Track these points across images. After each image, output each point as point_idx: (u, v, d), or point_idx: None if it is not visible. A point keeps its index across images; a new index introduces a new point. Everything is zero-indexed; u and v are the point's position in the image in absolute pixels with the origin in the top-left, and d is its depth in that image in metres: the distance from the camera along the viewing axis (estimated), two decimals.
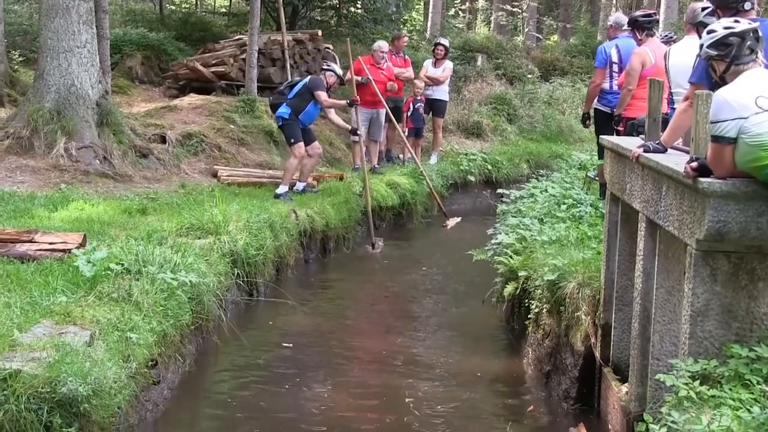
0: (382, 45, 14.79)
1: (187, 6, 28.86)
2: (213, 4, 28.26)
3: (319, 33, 18.46)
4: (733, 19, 4.93)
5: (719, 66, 4.80)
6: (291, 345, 8.17)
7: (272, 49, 16.89)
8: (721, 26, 4.81)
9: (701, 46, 4.91)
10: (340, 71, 12.38)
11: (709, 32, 4.86)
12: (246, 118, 14.89)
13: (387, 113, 14.53)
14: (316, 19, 22.69)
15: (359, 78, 14.12)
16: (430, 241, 13.47)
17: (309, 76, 12.98)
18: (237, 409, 6.72)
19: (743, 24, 4.76)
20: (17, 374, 4.80)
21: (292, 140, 12.01)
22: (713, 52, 4.78)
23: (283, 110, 11.99)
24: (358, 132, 12.96)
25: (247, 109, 15.05)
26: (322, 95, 12.06)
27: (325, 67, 12.60)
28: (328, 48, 18.29)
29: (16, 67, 16.46)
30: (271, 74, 16.69)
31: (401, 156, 15.59)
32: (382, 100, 14.20)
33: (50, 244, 7.46)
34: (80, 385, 4.87)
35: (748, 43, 4.69)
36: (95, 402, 4.99)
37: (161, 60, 18.81)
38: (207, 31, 21.51)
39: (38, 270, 6.90)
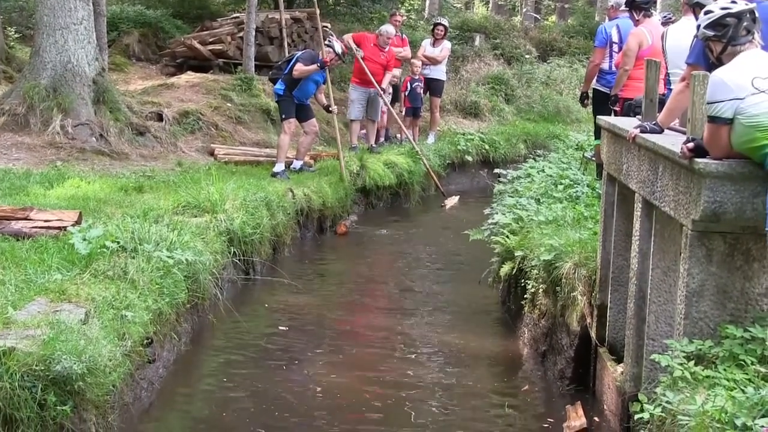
0: (389, 30, 14.58)
1: None
2: None
3: (317, 11, 18.35)
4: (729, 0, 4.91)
5: (716, 46, 4.77)
6: (287, 328, 8.15)
7: (270, 28, 16.84)
8: (717, 7, 4.79)
9: (698, 26, 4.89)
10: (339, 49, 12.23)
11: (706, 13, 4.84)
12: (243, 97, 14.86)
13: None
14: None
15: (354, 47, 14.14)
16: (427, 221, 13.47)
17: (303, 50, 12.97)
18: (232, 388, 6.72)
19: (740, 5, 4.74)
20: (11, 352, 4.78)
21: (283, 116, 12.07)
22: (710, 33, 4.76)
23: (279, 86, 12.03)
24: (330, 109, 12.65)
25: (245, 87, 15.03)
26: (297, 65, 11.96)
27: (326, 43, 12.48)
28: (326, 27, 18.20)
29: (12, 43, 16.40)
30: (269, 53, 16.64)
31: (399, 136, 15.56)
32: (374, 81, 14.06)
33: (45, 221, 7.44)
34: (75, 363, 4.86)
35: (745, 23, 4.67)
36: (90, 380, 4.97)
37: (158, 38, 18.74)
38: (205, 9, 21.40)
39: (33, 247, 6.88)
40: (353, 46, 14.16)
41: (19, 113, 11.68)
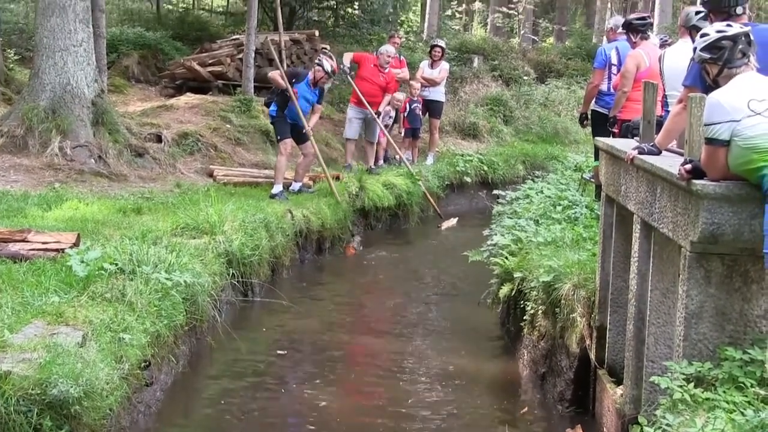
0: (390, 50, 14.60)
1: (185, 5, 28.80)
2: (210, 3, 28.24)
3: (316, 33, 18.46)
4: (725, 23, 4.94)
5: (712, 69, 4.80)
6: (285, 352, 8.10)
7: (269, 49, 16.87)
8: (713, 30, 4.82)
9: (695, 49, 4.92)
10: (329, 67, 12.06)
11: (702, 36, 4.87)
12: (242, 118, 14.89)
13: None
14: (314, 20, 22.70)
15: (346, 65, 14.17)
16: (425, 242, 13.46)
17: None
18: (230, 411, 6.68)
19: (735, 28, 4.77)
20: (7, 375, 4.76)
21: (279, 137, 12.06)
22: (706, 55, 4.79)
23: (272, 107, 12.03)
24: (304, 130, 12.10)
25: (244, 108, 15.05)
26: (273, 71, 12.13)
27: (317, 61, 12.37)
28: (325, 48, 18.24)
29: (11, 65, 16.43)
30: (268, 74, 16.66)
31: (397, 157, 15.57)
32: (364, 101, 14.07)
33: (43, 243, 7.42)
34: (71, 387, 4.84)
35: (740, 46, 4.70)
36: (86, 404, 4.95)
37: (158, 59, 18.80)
38: (204, 30, 21.50)
39: (31, 270, 6.87)
40: (347, 65, 14.19)
41: (18, 135, 11.69)
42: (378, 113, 14.14)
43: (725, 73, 4.71)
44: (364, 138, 14.53)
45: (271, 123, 12.35)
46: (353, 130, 14.35)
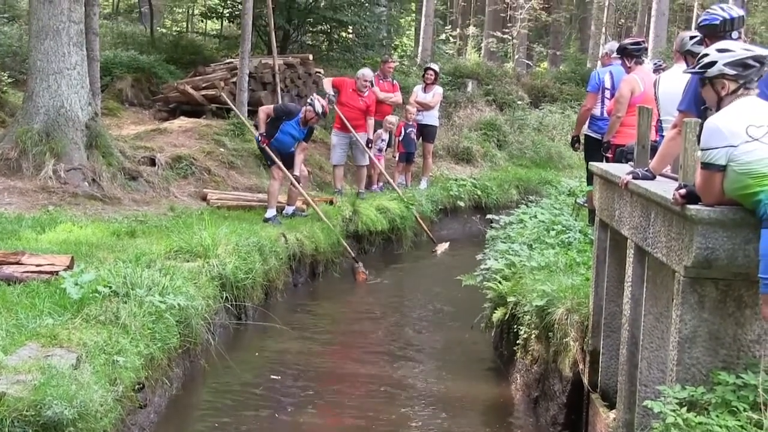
0: (366, 74, 14.60)
1: (178, 29, 28.94)
2: (204, 27, 28.34)
3: (310, 57, 18.53)
4: (744, 45, 4.89)
5: (729, 85, 4.70)
6: (278, 376, 8.10)
7: (263, 73, 16.93)
8: (738, 47, 4.75)
9: (710, 63, 4.77)
10: (319, 108, 11.98)
11: (723, 51, 4.76)
12: (236, 142, 14.92)
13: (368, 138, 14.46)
14: (308, 44, 22.77)
15: (331, 93, 14.23)
16: (419, 266, 13.47)
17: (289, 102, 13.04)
18: None
19: (760, 49, 4.74)
20: (1, 397, 4.77)
21: (269, 162, 12.14)
22: (730, 72, 4.68)
23: (258, 136, 12.12)
24: (294, 173, 12.21)
25: (237, 132, 15.07)
26: (261, 109, 12.22)
27: (308, 101, 12.27)
28: (319, 72, 18.34)
29: (5, 88, 16.42)
30: (262, 98, 16.70)
31: (394, 182, 15.61)
32: (348, 126, 14.19)
33: (37, 266, 7.44)
34: (66, 409, 4.85)
35: (765, 68, 4.68)
36: (81, 425, 4.96)
37: (151, 82, 18.81)
38: (198, 54, 21.54)
39: (25, 292, 6.88)
40: (331, 92, 14.26)
41: (12, 158, 11.70)
42: (369, 140, 14.18)
43: (740, 93, 4.67)
44: (353, 162, 14.58)
45: (259, 149, 12.45)
46: (338, 155, 14.42)
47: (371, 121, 14.34)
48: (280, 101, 15.42)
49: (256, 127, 12.35)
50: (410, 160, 15.92)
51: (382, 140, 15.12)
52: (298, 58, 18.11)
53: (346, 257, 12.51)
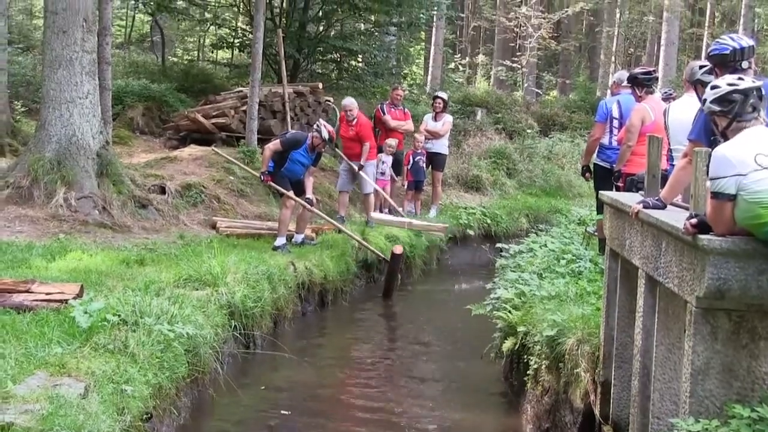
0: (347, 103, 14.47)
1: (189, 58, 29.08)
2: (215, 56, 28.47)
3: (320, 86, 18.58)
4: (737, 76, 4.94)
5: (721, 122, 4.80)
6: (288, 412, 8.00)
7: (273, 101, 16.98)
8: (725, 83, 4.82)
9: (704, 100, 4.92)
10: (326, 134, 11.99)
11: (712, 87, 4.88)
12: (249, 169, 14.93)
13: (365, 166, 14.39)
14: (317, 72, 22.87)
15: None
16: (428, 295, 13.43)
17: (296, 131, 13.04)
18: None
19: (747, 82, 4.77)
20: (9, 427, 4.74)
21: (280, 192, 12.10)
22: (716, 108, 4.79)
23: (270, 164, 12.03)
24: (308, 198, 12.17)
25: (247, 160, 15.08)
26: (271, 143, 12.16)
27: (315, 127, 12.30)
28: (329, 101, 18.40)
29: (18, 117, 16.54)
30: (272, 126, 16.76)
31: (401, 210, 15.60)
32: (343, 156, 14.32)
33: (47, 294, 7.42)
34: None
35: (751, 101, 4.71)
36: None
37: (162, 111, 18.91)
38: (208, 82, 21.67)
39: (34, 320, 6.86)
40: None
41: (24, 186, 11.74)
42: (360, 166, 14.11)
43: (734, 126, 4.72)
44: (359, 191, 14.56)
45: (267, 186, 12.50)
46: (341, 181, 14.40)
47: (365, 147, 14.08)
48: (289, 129, 15.42)
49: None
50: (419, 188, 15.93)
51: (383, 163, 15.01)
52: (308, 87, 18.18)
53: (356, 285, 12.48)
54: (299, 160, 11.97)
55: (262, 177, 12.10)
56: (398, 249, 12.59)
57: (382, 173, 15.00)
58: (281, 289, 10.19)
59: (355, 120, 14.23)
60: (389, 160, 15.15)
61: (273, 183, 12.06)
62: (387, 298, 12.64)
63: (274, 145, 11.97)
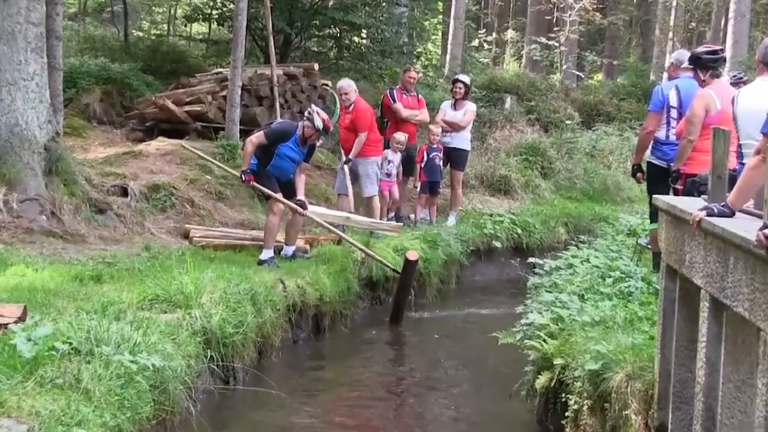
0: (343, 85, 14.53)
1: (158, 32, 29.15)
2: (188, 30, 28.57)
3: (316, 67, 18.59)
4: None
5: None
6: None
7: (259, 85, 17.02)
8: None
9: None
10: (320, 123, 11.93)
11: None
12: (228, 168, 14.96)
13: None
14: (313, 51, 22.92)
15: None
16: (446, 319, 13.41)
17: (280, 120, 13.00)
18: None
19: None
20: None
21: (265, 196, 12.10)
22: None
23: (252, 161, 11.98)
24: (299, 205, 12.07)
25: (228, 156, 15.10)
26: (253, 135, 12.09)
27: (306, 115, 12.24)
28: (326, 85, 18.42)
29: None
30: (257, 115, 16.79)
31: (412, 216, 15.59)
32: (341, 150, 14.40)
33: None
34: None
35: None
36: None
37: (124, 96, 18.94)
38: (181, 62, 21.70)
39: None
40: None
41: None
42: (348, 160, 14.12)
43: None
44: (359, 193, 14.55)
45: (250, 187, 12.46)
46: (339, 181, 14.41)
47: (359, 138, 14.10)
48: (278, 119, 15.42)
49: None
50: (435, 191, 15.89)
51: (390, 162, 14.98)
52: (301, 68, 18.21)
53: (358, 307, 12.48)
54: (288, 155, 11.95)
55: (243, 177, 12.01)
56: (413, 255, 12.55)
57: (388, 174, 14.95)
58: (268, 313, 10.19)
59: (353, 106, 14.25)
60: (397, 158, 15.07)
61: (257, 184, 12.02)
62: (396, 324, 12.64)
63: (257, 137, 11.92)
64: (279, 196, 11.88)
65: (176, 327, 8.44)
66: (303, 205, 12.09)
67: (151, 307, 8.93)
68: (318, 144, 12.90)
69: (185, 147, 14.06)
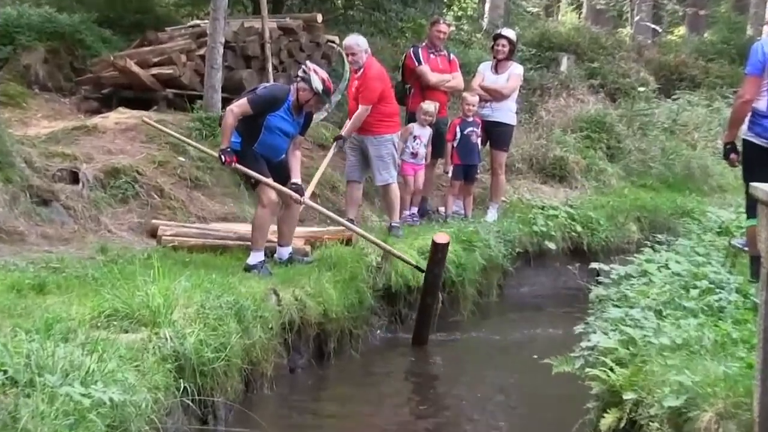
0: (350, 43, 14.29)
1: None
2: None
3: (319, 18, 18.56)
4: None
5: None
6: None
7: (246, 42, 17.03)
8: None
9: None
10: (319, 84, 11.63)
11: None
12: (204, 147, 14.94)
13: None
14: None
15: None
16: (484, 341, 13.42)
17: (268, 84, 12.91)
18: None
19: None
20: None
21: (253, 180, 11.85)
22: None
23: (235, 138, 11.74)
24: (293, 182, 11.94)
25: (207, 133, 15.06)
26: (237, 103, 11.80)
27: (300, 73, 11.93)
28: (332, 42, 18.40)
29: None
30: (244, 79, 16.79)
31: (441, 209, 15.56)
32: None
33: None
34: None
35: None
36: None
37: (75, 56, 18.97)
38: (147, 13, 21.73)
39: None
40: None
41: None
42: (341, 138, 14.12)
43: None
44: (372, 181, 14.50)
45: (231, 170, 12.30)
46: (348, 166, 14.50)
47: (359, 111, 13.92)
48: (271, 82, 15.38)
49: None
50: (471, 177, 15.85)
51: (415, 138, 14.90)
52: (301, 20, 18.22)
53: (373, 326, 12.48)
54: (279, 127, 11.75)
55: (222, 157, 11.64)
56: (443, 237, 12.47)
57: (414, 154, 14.89)
58: (257, 333, 10.16)
59: (361, 70, 14.11)
60: (426, 133, 15.04)
61: (240, 166, 11.73)
62: (420, 345, 12.60)
63: (239, 106, 11.59)
64: (270, 181, 11.71)
65: (140, 351, 8.41)
66: (299, 190, 11.95)
67: (109, 325, 8.90)
68: (321, 117, 12.83)
69: (147, 122, 13.93)
